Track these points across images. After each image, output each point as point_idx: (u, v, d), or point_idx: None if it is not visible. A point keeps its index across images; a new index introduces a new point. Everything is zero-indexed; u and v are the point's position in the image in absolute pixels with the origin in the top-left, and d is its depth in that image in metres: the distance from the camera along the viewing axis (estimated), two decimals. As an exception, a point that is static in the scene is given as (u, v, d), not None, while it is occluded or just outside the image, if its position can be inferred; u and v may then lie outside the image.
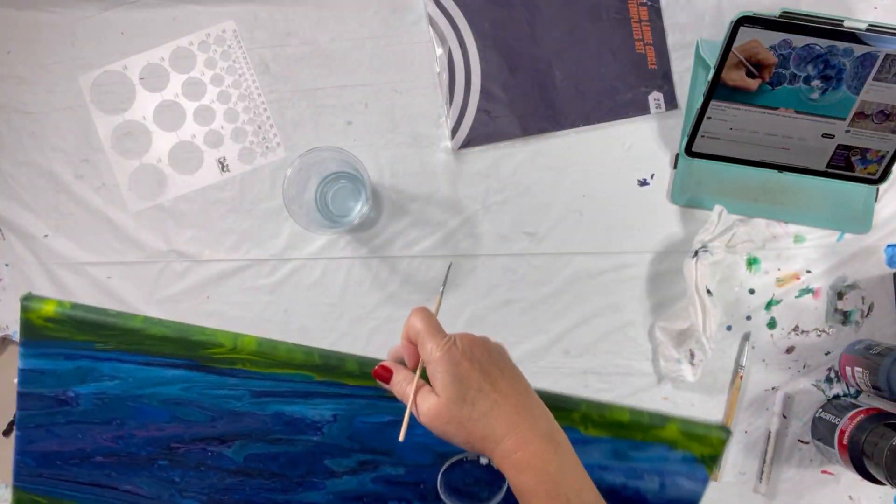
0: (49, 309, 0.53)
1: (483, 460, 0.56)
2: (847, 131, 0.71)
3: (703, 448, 0.56)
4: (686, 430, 0.56)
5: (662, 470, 0.56)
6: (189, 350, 0.54)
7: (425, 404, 0.46)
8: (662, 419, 0.56)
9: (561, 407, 0.55)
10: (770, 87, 0.69)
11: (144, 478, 0.57)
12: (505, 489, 0.57)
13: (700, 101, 0.71)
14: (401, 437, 0.48)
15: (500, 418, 0.45)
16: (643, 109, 0.75)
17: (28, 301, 0.53)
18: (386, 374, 0.50)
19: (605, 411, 0.56)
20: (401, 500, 0.57)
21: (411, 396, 0.47)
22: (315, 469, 0.57)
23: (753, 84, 0.69)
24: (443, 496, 0.58)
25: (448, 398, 0.45)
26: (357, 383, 0.55)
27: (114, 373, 0.55)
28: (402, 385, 0.49)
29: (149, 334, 0.54)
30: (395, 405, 0.54)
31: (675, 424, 0.56)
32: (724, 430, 0.57)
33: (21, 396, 0.56)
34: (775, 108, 0.71)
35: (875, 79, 0.68)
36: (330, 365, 0.55)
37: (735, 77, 0.69)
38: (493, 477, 0.57)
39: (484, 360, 0.47)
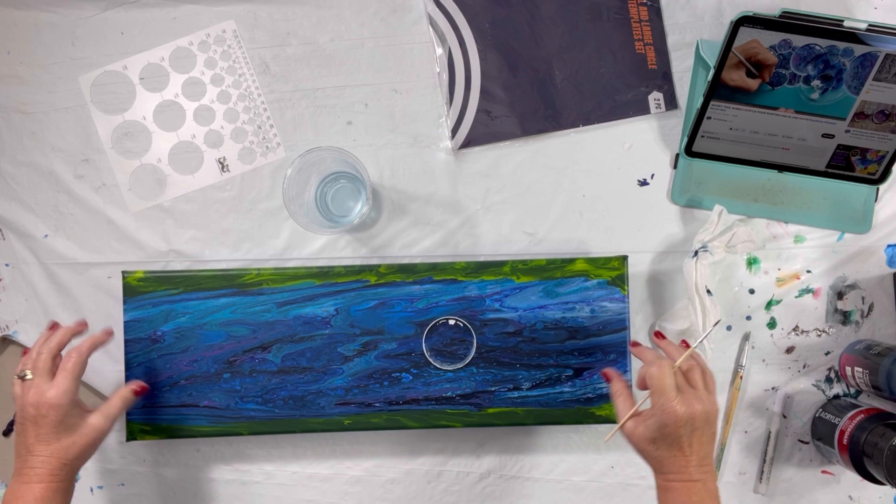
0: (139, 274, 0.71)
1: (451, 321, 0.70)
2: (847, 131, 0.71)
3: (609, 272, 0.71)
4: (590, 260, 0.71)
5: (587, 298, 0.71)
6: (230, 281, 0.71)
7: (631, 425, 0.60)
8: (571, 259, 0.71)
9: (495, 264, 0.71)
10: (770, 87, 0.69)
11: (216, 391, 0.71)
12: (475, 346, 0.70)
13: (700, 101, 0.71)
14: (606, 439, 0.63)
15: (672, 464, 0.58)
16: (643, 109, 0.75)
17: (125, 273, 0.71)
18: (610, 376, 0.66)
19: (527, 262, 0.71)
20: (400, 370, 0.71)
21: (625, 416, 0.61)
22: (333, 357, 0.71)
23: (753, 84, 0.69)
24: (430, 359, 0.71)
25: (645, 435, 0.59)
26: (344, 280, 0.71)
27: (185, 309, 0.71)
28: (618, 394, 0.63)
29: (202, 276, 0.71)
30: (378, 292, 0.71)
31: (581, 259, 0.71)
32: (621, 256, 0.71)
33: (127, 343, 0.71)
34: (775, 108, 0.71)
35: (875, 79, 0.68)
36: (324, 271, 0.71)
37: (735, 77, 0.69)
38: (464, 335, 0.71)
39: (695, 429, 0.57)
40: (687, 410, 0.57)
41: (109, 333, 0.68)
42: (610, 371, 0.67)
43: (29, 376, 0.61)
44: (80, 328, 0.68)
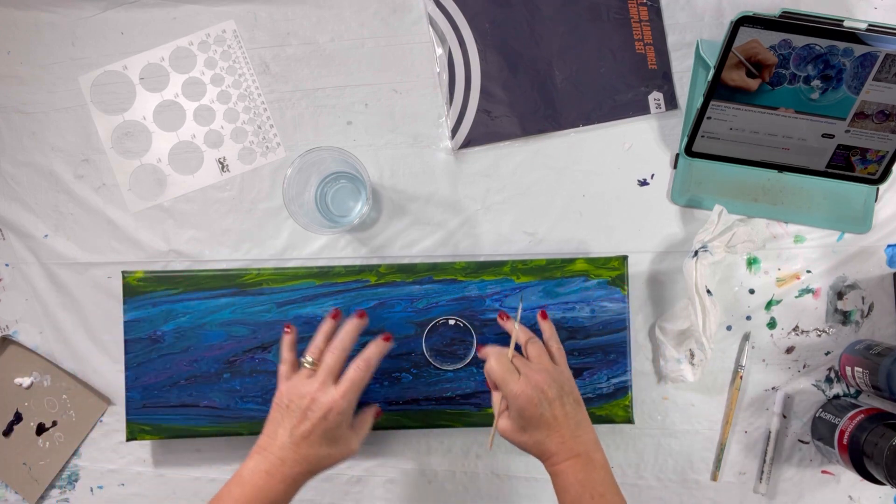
0: (139, 274, 0.71)
1: (451, 321, 0.71)
2: (847, 131, 0.71)
3: (610, 272, 0.71)
4: (590, 260, 0.71)
5: (587, 298, 0.71)
6: (230, 281, 0.71)
7: (502, 423, 0.61)
8: (571, 259, 0.71)
9: (495, 264, 0.71)
10: (770, 87, 0.69)
11: (216, 392, 0.71)
12: (475, 346, 0.71)
13: (700, 101, 0.71)
14: (488, 447, 0.70)
15: (549, 444, 0.58)
16: (643, 109, 0.75)
17: (125, 273, 0.71)
18: (493, 389, 0.64)
19: (527, 262, 0.71)
20: (400, 370, 0.71)
21: (496, 417, 0.61)
22: None
23: (753, 84, 0.69)
24: (430, 359, 0.71)
25: (514, 428, 0.60)
26: (344, 280, 0.71)
27: (185, 309, 0.71)
28: (495, 405, 0.62)
29: (202, 276, 0.71)
30: (378, 292, 0.71)
31: (581, 259, 0.71)
32: (621, 256, 0.71)
33: (127, 343, 0.71)
34: (775, 108, 0.71)
35: (875, 79, 0.68)
36: (324, 272, 0.71)
37: (735, 77, 0.69)
38: (464, 335, 0.71)
39: (552, 400, 0.58)
40: (532, 386, 0.57)
41: (389, 339, 0.63)
42: (492, 385, 0.64)
43: (308, 365, 0.60)
44: (363, 323, 0.64)
